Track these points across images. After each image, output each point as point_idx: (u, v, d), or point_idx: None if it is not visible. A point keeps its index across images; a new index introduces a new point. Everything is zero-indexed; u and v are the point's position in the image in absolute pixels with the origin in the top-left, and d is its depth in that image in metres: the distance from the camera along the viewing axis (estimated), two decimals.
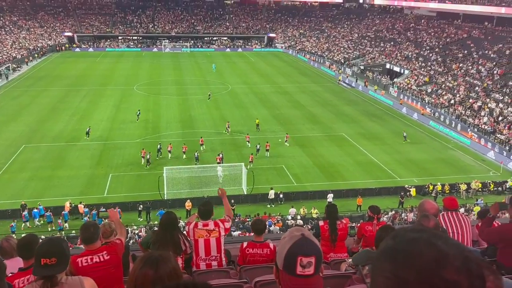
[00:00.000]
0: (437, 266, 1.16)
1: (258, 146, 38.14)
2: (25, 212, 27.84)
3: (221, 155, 35.49)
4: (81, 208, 28.59)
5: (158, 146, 37.78)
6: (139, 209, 29.18)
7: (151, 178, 33.10)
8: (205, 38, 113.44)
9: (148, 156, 35.60)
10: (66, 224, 27.88)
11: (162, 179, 31.52)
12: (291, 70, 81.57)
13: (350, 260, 5.24)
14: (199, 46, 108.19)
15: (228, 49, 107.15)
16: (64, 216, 28.07)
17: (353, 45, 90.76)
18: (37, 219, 28.07)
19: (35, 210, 28.02)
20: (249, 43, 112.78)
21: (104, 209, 27.42)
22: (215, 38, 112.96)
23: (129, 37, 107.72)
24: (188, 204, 29.27)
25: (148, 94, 59.33)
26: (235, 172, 33.17)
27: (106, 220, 5.62)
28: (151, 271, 2.01)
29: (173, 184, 31.85)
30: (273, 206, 31.09)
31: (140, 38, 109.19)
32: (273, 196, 31.05)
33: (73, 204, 29.00)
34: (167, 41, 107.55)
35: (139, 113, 47.24)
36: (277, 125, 46.88)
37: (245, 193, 31.83)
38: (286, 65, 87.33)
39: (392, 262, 1.22)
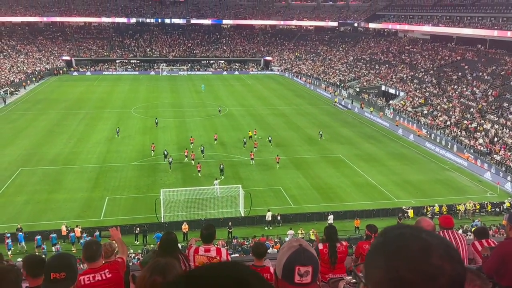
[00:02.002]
0: (423, 254, 1.33)
1: (245, 140, 45.27)
2: (9, 240, 27.16)
3: (222, 166, 37.40)
4: (78, 231, 28.40)
5: (165, 152, 41.39)
6: (136, 232, 29.02)
7: (148, 200, 33.05)
8: (202, 62, 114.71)
9: (170, 159, 39.03)
10: (54, 248, 27.42)
11: (158, 201, 31.46)
12: (287, 93, 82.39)
13: (349, 278, 5.32)
14: (197, 69, 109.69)
15: (225, 72, 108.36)
16: (52, 239, 27.71)
17: (349, 67, 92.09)
18: (23, 243, 27.55)
19: (20, 234, 27.67)
20: (246, 66, 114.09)
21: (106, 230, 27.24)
22: (212, 62, 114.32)
23: (126, 61, 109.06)
24: (184, 227, 29.14)
25: (145, 117, 59.93)
26: (232, 194, 33.16)
27: (108, 240, 5.68)
28: (160, 277, 2.12)
29: (170, 207, 31.78)
30: (270, 228, 30.97)
31: (138, 61, 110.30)
32: (270, 218, 30.99)
33: (69, 228, 28.82)
34: (164, 64, 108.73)
35: (118, 129, 49.76)
36: (274, 148, 47.34)
37: (243, 215, 31.79)
38: (282, 88, 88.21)
39: (384, 255, 1.37)
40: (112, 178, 37.87)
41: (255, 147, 45.10)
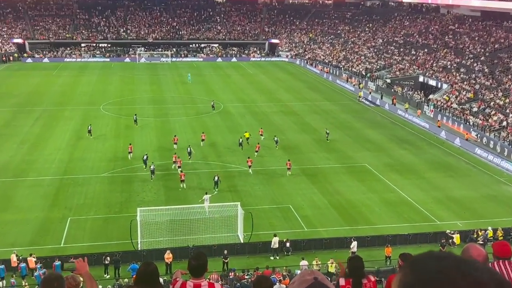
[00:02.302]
0: None
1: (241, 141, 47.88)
2: None
3: (216, 178, 38.56)
4: (32, 262, 28.45)
5: (145, 157, 42.73)
6: (106, 262, 29.04)
7: (121, 222, 33.09)
8: (191, 46, 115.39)
9: (152, 167, 40.65)
10: (1, 283, 27.48)
11: (135, 223, 31.54)
12: (298, 85, 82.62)
13: None
14: (183, 56, 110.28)
15: (219, 59, 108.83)
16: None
17: (377, 53, 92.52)
18: None
19: None
20: (246, 51, 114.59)
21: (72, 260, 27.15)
22: (203, 45, 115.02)
23: (94, 45, 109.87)
24: (168, 256, 29.23)
25: (118, 116, 60.14)
26: (228, 213, 33.23)
27: (71, 273, 5.68)
28: None
29: (150, 230, 31.84)
30: (277, 258, 31.04)
31: (109, 45, 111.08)
32: (277, 245, 31.03)
33: (20, 257, 28.89)
34: (142, 49, 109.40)
35: (90, 127, 51.66)
36: (281, 152, 47.68)
37: (242, 242, 31.81)
38: (292, 78, 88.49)
39: None
40: (75, 193, 37.97)
41: (256, 151, 46.12)
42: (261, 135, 51.52)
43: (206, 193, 35.56)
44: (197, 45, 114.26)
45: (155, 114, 61.61)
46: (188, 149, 44.87)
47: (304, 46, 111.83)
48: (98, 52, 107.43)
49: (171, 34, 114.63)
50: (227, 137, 51.95)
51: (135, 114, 57.10)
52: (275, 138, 49.52)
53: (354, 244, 30.66)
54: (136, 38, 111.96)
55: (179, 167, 41.62)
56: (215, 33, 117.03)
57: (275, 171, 43.06)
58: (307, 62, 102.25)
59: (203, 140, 49.32)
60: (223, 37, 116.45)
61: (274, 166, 44.43)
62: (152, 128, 55.52)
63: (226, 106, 65.76)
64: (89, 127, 51.82)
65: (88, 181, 40.26)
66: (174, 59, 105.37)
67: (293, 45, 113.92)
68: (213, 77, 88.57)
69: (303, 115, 61.99)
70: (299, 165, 44.04)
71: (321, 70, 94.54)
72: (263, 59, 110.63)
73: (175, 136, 48.81)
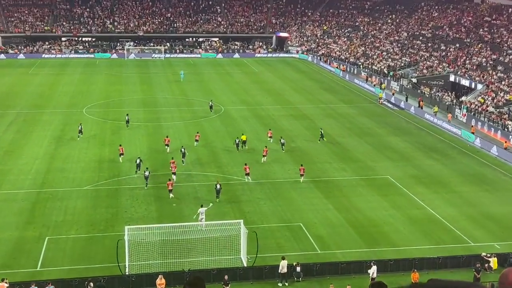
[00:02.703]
0: None
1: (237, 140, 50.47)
2: None
3: (218, 186, 39.54)
4: (4, 287, 28.50)
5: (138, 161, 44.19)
6: None
7: (106, 242, 33.09)
8: (187, 40, 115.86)
9: (147, 173, 41.60)
10: None
11: (122, 244, 31.53)
12: (311, 85, 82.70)
13: None
14: (179, 51, 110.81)
15: (220, 55, 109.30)
16: None
17: (401, 48, 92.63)
18: None
19: None
20: (251, 46, 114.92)
21: None
22: (201, 40, 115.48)
23: (77, 39, 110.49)
24: (160, 282, 29.28)
25: (104, 120, 60.42)
26: (229, 233, 33.18)
27: None
28: None
29: (139, 252, 31.81)
30: (286, 284, 30.95)
31: (93, 40, 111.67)
32: (286, 270, 30.93)
33: None
34: (131, 44, 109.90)
35: (81, 127, 53.75)
36: (290, 161, 47.84)
37: (245, 265, 31.76)
38: (303, 78, 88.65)
39: None
40: (54, 209, 38.01)
41: (264, 155, 47.60)
42: (270, 137, 53.09)
43: (202, 206, 35.54)
44: (194, 39, 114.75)
45: (146, 118, 61.77)
46: (182, 149, 46.74)
47: (317, 40, 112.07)
48: (81, 47, 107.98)
49: (164, 26, 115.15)
50: (228, 145, 52.13)
51: (127, 114, 58.58)
52: (282, 140, 51.06)
53: (373, 268, 30.45)
54: (125, 31, 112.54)
55: (173, 173, 42.42)
56: (215, 25, 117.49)
57: (283, 183, 43.08)
58: (320, 59, 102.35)
59: (197, 140, 51.27)
60: (224, 30, 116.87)
61: (282, 177, 44.61)
62: (143, 134, 55.70)
63: (227, 109, 65.88)
64: (80, 127, 53.57)
65: (69, 195, 40.28)
66: (167, 55, 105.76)
67: (305, 39, 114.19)
68: (212, 75, 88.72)
69: (316, 120, 62.04)
70: (311, 177, 44.16)
71: (337, 67, 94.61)
72: (270, 55, 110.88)
73: (166, 137, 50.61)
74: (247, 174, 43.18)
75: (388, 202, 40.34)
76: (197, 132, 53.16)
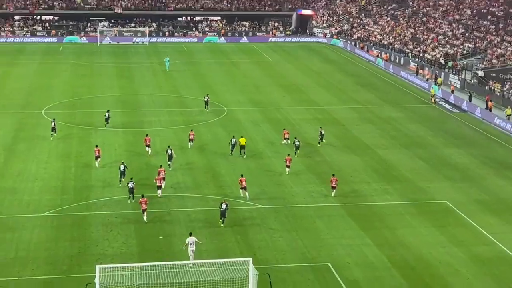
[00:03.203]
0: None
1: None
2: None
3: (224, 206, 39.66)
4: None
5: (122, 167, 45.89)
6: None
7: (72, 287, 32.92)
8: (179, 19, 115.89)
9: (131, 184, 42.98)
10: None
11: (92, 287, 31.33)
12: (343, 79, 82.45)
13: None
14: (168, 34, 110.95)
15: (222, 39, 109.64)
16: None
17: (463, 31, 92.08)
18: None
19: None
20: (263, 28, 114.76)
21: None
22: (198, 19, 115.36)
23: (34, 17, 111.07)
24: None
25: (69, 125, 60.32)
26: (234, 274, 32.76)
27: None
28: None
29: None
30: None
31: (56, 19, 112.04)
32: None
33: None
34: (106, 24, 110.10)
35: (54, 123, 56.48)
36: (315, 180, 47.53)
37: None
38: (333, 69, 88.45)
39: None
40: (3, 243, 37.16)
41: (287, 166, 49.07)
42: (286, 139, 55.75)
43: (191, 234, 35.22)
44: (188, 18, 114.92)
45: (125, 122, 61.77)
46: (169, 150, 49.08)
47: (352, 20, 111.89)
48: (39, 29, 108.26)
49: (149, 1, 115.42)
50: (232, 158, 52.45)
51: (108, 111, 60.86)
52: (296, 143, 52.98)
53: None
54: (97, 7, 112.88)
55: (159, 186, 43.97)
56: (216, 0, 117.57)
57: (305, 209, 42.72)
58: (355, 44, 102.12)
59: (191, 140, 54.66)
60: (228, 6, 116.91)
61: (304, 200, 44.34)
62: (120, 143, 55.86)
63: (231, 111, 66.01)
64: (53, 123, 56.39)
65: (23, 223, 39.78)
66: (153, 40, 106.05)
67: (335, 18, 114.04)
68: (212, 66, 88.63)
69: (350, 125, 62.15)
70: (342, 201, 43.95)
71: (377, 56, 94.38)
72: (288, 39, 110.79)
73: (146, 135, 53.18)
74: (243, 188, 43.86)
75: (445, 236, 39.54)
76: (191, 130, 55.67)
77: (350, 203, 44.03)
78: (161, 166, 46.40)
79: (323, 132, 56.19)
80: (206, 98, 65.69)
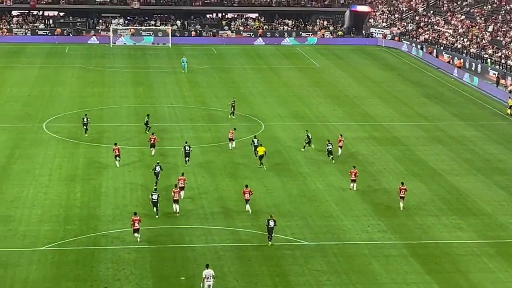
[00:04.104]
0: None
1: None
2: None
3: (272, 223, 41.82)
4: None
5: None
6: None
7: None
8: (208, 17, 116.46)
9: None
10: None
11: None
12: (406, 90, 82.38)
13: None
14: (194, 34, 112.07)
15: (259, 40, 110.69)
16: None
17: None
18: None
19: None
20: (309, 27, 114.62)
21: None
22: (230, 16, 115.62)
23: (35, 14, 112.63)
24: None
25: (75, 142, 60.90)
26: None
27: None
28: None
29: None
30: None
31: (62, 15, 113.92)
32: None
33: None
34: (121, 21, 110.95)
35: (87, 118, 59.56)
36: (370, 211, 47.32)
37: None
38: (394, 78, 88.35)
39: None
40: None
41: (353, 180, 51.05)
42: (340, 146, 58.87)
43: (207, 267, 35.44)
44: (219, 15, 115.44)
45: (142, 139, 61.98)
46: (187, 148, 55.13)
47: (418, 18, 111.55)
48: (41, 27, 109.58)
49: None
50: (267, 182, 52.31)
51: (148, 115, 64.64)
52: (329, 147, 57.29)
53: None
54: (111, 1, 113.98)
55: (175, 200, 45.84)
56: None
57: (358, 247, 42.47)
58: (422, 48, 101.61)
59: (231, 140, 60.41)
60: (265, 1, 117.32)
61: (358, 237, 43.93)
62: (135, 165, 56.02)
63: (270, 127, 66.19)
64: (85, 118, 62.35)
65: (17, 259, 39.78)
66: (176, 40, 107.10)
67: (397, 16, 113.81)
68: (247, 73, 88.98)
69: (414, 146, 61.91)
70: (404, 238, 43.83)
71: (449, 62, 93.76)
72: (340, 41, 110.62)
73: (152, 134, 59.11)
74: (247, 201, 46.27)
75: None
76: (234, 129, 60.72)
77: (413, 240, 43.68)
78: (182, 174, 48.94)
79: (310, 136, 59.53)
80: (232, 101, 66.60)
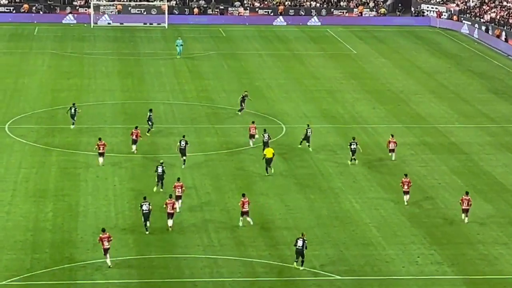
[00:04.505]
0: None
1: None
2: None
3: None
4: None
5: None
6: None
7: None
8: None
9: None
10: None
11: None
12: (467, 82, 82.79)
13: None
14: (197, 11, 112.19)
15: (280, 19, 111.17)
16: None
17: None
18: None
19: None
20: (343, 3, 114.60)
21: None
22: None
23: None
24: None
25: (46, 148, 61.13)
26: None
27: None
28: None
29: None
30: None
31: None
32: None
33: None
34: None
35: (75, 109, 61.50)
36: (421, 237, 47.12)
37: None
38: (452, 68, 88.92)
39: None
40: None
41: (405, 192, 50.99)
42: (392, 150, 60.12)
43: None
44: None
45: (130, 145, 62.28)
46: (183, 143, 58.73)
47: None
48: (3, 1, 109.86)
49: None
50: (290, 201, 52.25)
51: (150, 110, 66.54)
52: (353, 146, 59.42)
53: None
54: None
55: (170, 214, 46.71)
56: None
57: (405, 284, 42.19)
58: (487, 30, 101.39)
59: (252, 136, 62.67)
60: None
61: (402, 268, 43.69)
62: (122, 178, 56.09)
63: (293, 129, 66.39)
64: (73, 109, 63.64)
65: None
66: (174, 20, 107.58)
67: None
68: (264, 61, 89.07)
69: (477, 154, 61.84)
70: (464, 271, 43.51)
71: None
72: (382, 20, 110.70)
73: (136, 128, 61.89)
74: (245, 214, 47.72)
75: None
76: (253, 122, 63.41)
77: (476, 274, 43.26)
78: (178, 179, 50.91)
79: (309, 131, 62.15)
80: (244, 95, 68.16)
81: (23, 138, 62.65)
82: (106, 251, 41.45)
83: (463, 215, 48.42)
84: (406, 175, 52.28)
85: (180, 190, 49.19)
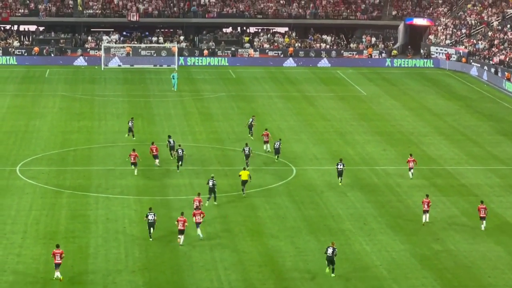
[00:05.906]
0: None
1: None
2: None
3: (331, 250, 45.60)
4: None
5: None
6: None
7: None
8: (224, 31, 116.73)
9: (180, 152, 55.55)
10: None
11: None
12: (477, 124, 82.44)
13: None
14: (207, 52, 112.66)
15: (290, 60, 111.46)
16: None
17: None
18: None
19: None
20: (353, 45, 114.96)
21: None
22: (252, 31, 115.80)
23: (9, 28, 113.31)
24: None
25: (57, 190, 61.12)
26: None
27: None
28: None
29: None
30: None
31: (41, 30, 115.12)
32: None
33: None
34: (115, 38, 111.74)
35: (131, 122, 65.92)
36: (432, 279, 46.72)
37: None
38: (462, 110, 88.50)
39: None
40: None
41: (425, 211, 51.66)
42: (410, 169, 63.34)
43: None
44: (238, 29, 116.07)
45: (141, 186, 62.15)
46: (180, 151, 61.66)
47: (491, 33, 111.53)
48: (16, 44, 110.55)
49: (180, 5, 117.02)
50: (301, 242, 52.36)
51: (169, 137, 69.71)
52: (339, 167, 63.04)
53: None
54: (102, 13, 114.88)
55: (181, 231, 49.74)
56: (281, 2, 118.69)
57: None
58: (496, 72, 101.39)
59: (266, 142, 67.27)
60: (300, 12, 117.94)
61: None
62: (133, 220, 55.89)
63: (303, 171, 66.39)
64: (130, 123, 70.08)
65: None
66: (184, 62, 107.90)
67: (464, 31, 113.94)
68: (274, 102, 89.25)
69: (487, 197, 61.50)
70: None
71: None
72: (392, 62, 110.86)
73: (152, 143, 62.78)
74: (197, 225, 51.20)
75: None
76: (266, 130, 70.05)
77: None
78: (198, 194, 54.88)
79: (252, 122, 67.86)
80: (251, 120, 69.66)
81: (34, 180, 62.80)
82: (57, 265, 43.41)
83: (481, 223, 53.22)
84: (427, 195, 55.22)
85: (199, 203, 53.45)
